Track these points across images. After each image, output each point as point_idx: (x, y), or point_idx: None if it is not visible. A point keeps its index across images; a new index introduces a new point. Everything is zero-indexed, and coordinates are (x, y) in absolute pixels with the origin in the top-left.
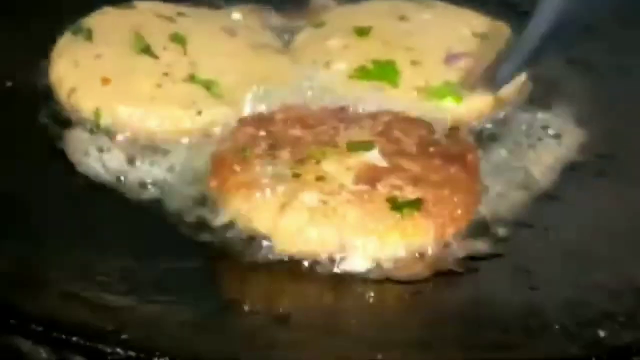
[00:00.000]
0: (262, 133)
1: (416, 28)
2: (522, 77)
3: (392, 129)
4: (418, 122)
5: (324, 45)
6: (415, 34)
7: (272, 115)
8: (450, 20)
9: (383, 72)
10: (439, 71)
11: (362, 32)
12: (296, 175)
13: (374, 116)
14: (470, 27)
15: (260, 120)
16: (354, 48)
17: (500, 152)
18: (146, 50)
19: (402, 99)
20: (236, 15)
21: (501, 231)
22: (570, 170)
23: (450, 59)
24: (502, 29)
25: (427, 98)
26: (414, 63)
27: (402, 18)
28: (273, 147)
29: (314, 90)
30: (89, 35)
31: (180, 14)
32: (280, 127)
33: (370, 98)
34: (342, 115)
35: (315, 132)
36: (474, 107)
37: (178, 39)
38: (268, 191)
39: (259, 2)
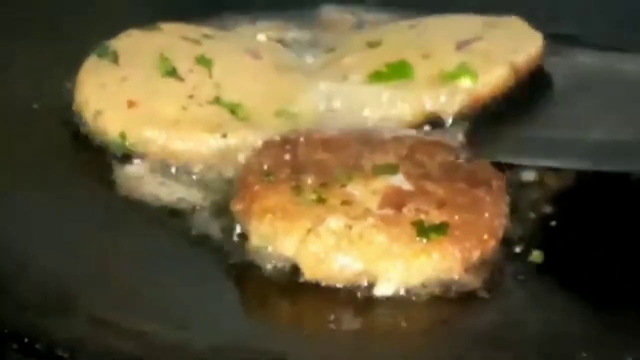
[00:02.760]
0: (287, 156)
1: (425, 29)
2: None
3: (416, 152)
4: (442, 145)
5: (339, 63)
6: (424, 34)
7: (297, 138)
8: (460, 17)
9: (397, 71)
10: (452, 57)
11: (374, 44)
12: (321, 200)
13: (398, 139)
14: (482, 19)
15: (284, 143)
16: (368, 59)
17: (527, 175)
18: (172, 72)
19: (418, 89)
20: (260, 36)
21: (527, 256)
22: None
23: (463, 44)
24: (516, 21)
25: (443, 83)
26: (425, 56)
27: (412, 26)
28: (298, 171)
29: (336, 111)
30: (114, 57)
31: (205, 36)
32: (305, 150)
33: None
34: (366, 138)
35: (340, 156)
36: (490, 82)
37: (203, 62)
38: (293, 216)
39: (281, 17)
